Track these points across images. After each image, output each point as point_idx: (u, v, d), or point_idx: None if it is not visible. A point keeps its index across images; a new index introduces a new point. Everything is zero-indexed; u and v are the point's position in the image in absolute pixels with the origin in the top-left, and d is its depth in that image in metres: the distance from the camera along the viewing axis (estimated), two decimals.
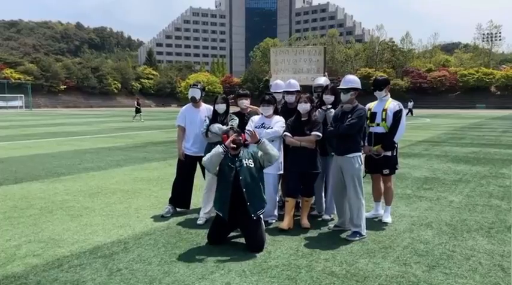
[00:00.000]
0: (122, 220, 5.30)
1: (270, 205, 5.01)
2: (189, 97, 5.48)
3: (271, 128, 5.00)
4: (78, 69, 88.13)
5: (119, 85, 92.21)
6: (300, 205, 5.19)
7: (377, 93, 5.18)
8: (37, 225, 5.10)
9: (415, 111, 43.14)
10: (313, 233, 4.81)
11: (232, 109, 5.49)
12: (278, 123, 5.06)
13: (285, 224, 4.78)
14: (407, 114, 39.18)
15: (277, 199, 5.40)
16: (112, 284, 3.42)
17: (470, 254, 4.15)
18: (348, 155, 4.57)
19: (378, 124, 5.06)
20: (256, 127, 4.99)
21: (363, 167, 4.69)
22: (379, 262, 3.91)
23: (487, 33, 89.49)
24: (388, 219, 5.12)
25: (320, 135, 4.81)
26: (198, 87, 5.47)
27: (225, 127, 4.91)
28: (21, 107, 64.05)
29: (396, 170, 5.34)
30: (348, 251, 4.21)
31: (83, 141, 15.55)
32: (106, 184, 7.52)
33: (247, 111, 5.45)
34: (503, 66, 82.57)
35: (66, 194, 6.72)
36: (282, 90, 5.58)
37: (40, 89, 78.02)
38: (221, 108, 5.19)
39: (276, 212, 5.23)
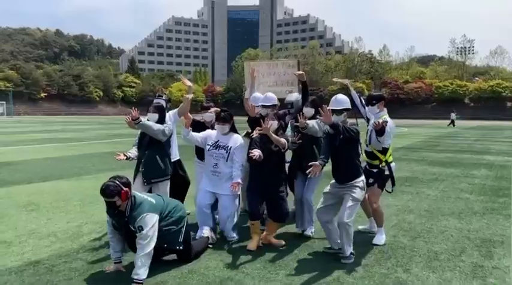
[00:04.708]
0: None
1: (229, 224, 4.82)
2: None
3: (228, 146, 4.75)
4: (60, 76, 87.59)
5: (101, 93, 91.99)
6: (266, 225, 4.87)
7: (369, 109, 4.96)
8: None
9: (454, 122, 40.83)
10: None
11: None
12: (238, 151, 4.76)
13: (253, 245, 4.52)
14: (448, 125, 39.54)
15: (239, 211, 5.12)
16: None
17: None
18: (350, 183, 4.27)
19: (367, 146, 4.88)
20: (209, 145, 4.81)
21: (363, 193, 4.42)
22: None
23: (461, 47, 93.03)
24: (380, 241, 4.75)
25: (286, 144, 4.57)
26: (163, 98, 5.44)
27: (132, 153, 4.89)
28: (2, 114, 63.48)
29: (388, 191, 5.03)
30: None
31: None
32: None
33: (210, 123, 5.30)
34: (476, 78, 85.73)
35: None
36: (260, 104, 5.41)
37: (20, 96, 77.22)
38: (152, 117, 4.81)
39: (234, 233, 4.90)
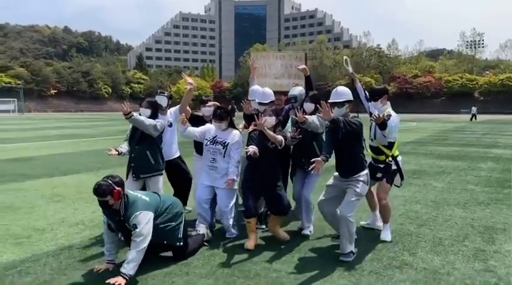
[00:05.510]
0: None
1: (225, 219, 4.82)
2: None
3: (226, 142, 4.72)
4: (69, 73, 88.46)
5: (110, 90, 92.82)
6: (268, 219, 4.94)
7: (372, 104, 4.86)
8: None
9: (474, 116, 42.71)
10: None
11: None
12: (234, 147, 4.74)
13: (252, 244, 4.44)
14: (471, 119, 40.71)
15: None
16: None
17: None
18: (353, 176, 4.19)
19: (372, 140, 4.82)
20: (207, 140, 4.80)
21: (367, 188, 4.34)
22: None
23: (471, 41, 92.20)
24: (387, 237, 4.70)
25: (282, 141, 4.52)
26: (165, 94, 5.38)
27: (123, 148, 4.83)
28: (13, 111, 64.45)
29: (397, 185, 4.87)
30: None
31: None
32: None
33: (209, 118, 5.19)
34: (486, 72, 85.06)
35: None
36: (256, 101, 5.27)
37: (30, 93, 78.13)
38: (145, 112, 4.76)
39: (234, 230, 4.88)
